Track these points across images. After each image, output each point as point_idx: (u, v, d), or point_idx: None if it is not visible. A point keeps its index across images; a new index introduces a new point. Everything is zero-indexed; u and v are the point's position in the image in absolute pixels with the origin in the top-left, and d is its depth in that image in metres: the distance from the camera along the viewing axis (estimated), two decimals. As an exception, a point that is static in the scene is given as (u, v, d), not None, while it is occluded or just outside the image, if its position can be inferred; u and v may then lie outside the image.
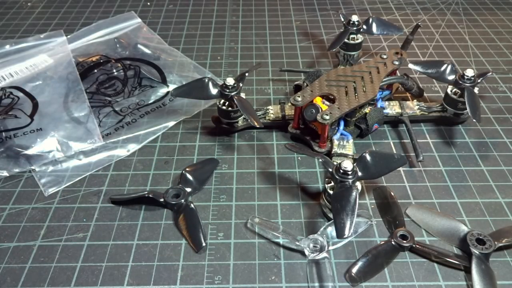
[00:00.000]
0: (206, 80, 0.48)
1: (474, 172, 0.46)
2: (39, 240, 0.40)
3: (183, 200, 0.41)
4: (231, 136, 0.51)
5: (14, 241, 0.40)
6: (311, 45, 0.67)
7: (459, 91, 0.48)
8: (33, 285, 0.36)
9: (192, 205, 0.41)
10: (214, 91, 0.47)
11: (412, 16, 0.75)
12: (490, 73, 0.50)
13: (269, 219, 0.41)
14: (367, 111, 0.48)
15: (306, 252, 0.37)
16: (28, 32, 0.71)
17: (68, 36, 0.65)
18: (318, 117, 0.44)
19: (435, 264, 0.37)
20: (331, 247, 0.38)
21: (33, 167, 0.47)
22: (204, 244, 0.39)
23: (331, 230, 0.38)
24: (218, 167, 0.47)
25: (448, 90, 0.49)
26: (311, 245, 0.37)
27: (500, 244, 0.37)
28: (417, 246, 0.38)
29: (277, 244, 0.39)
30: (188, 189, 0.43)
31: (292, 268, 0.37)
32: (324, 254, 0.37)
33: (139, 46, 0.65)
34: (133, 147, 0.49)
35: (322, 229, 0.39)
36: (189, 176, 0.44)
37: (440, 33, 0.70)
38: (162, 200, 0.42)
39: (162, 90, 0.57)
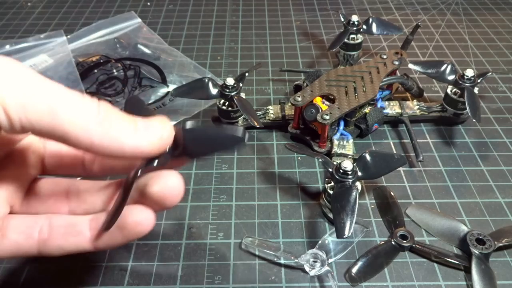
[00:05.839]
0: (206, 80, 0.48)
1: (474, 172, 0.46)
2: (39, 240, 0.40)
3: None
4: (231, 136, 0.51)
5: (14, 241, 0.40)
6: (311, 45, 0.67)
7: (459, 91, 0.48)
8: (34, 285, 0.36)
9: None
10: (214, 91, 0.47)
11: (412, 16, 0.75)
12: (490, 73, 0.50)
13: (269, 219, 0.41)
14: (367, 111, 0.48)
15: (307, 269, 0.36)
16: (28, 32, 0.71)
17: (68, 36, 0.65)
18: (318, 117, 0.44)
19: (435, 264, 0.37)
20: (330, 260, 0.37)
21: (33, 167, 0.46)
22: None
23: (331, 239, 0.37)
24: (218, 167, 0.47)
25: (448, 90, 0.49)
26: (311, 260, 0.36)
27: (500, 244, 0.37)
28: (417, 246, 0.38)
29: (278, 264, 0.38)
30: None
31: (292, 268, 0.37)
32: (326, 268, 0.36)
33: (139, 46, 0.65)
34: (133, 147, 0.49)
35: (320, 242, 0.37)
36: None
37: (440, 33, 0.70)
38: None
39: (162, 90, 0.57)
